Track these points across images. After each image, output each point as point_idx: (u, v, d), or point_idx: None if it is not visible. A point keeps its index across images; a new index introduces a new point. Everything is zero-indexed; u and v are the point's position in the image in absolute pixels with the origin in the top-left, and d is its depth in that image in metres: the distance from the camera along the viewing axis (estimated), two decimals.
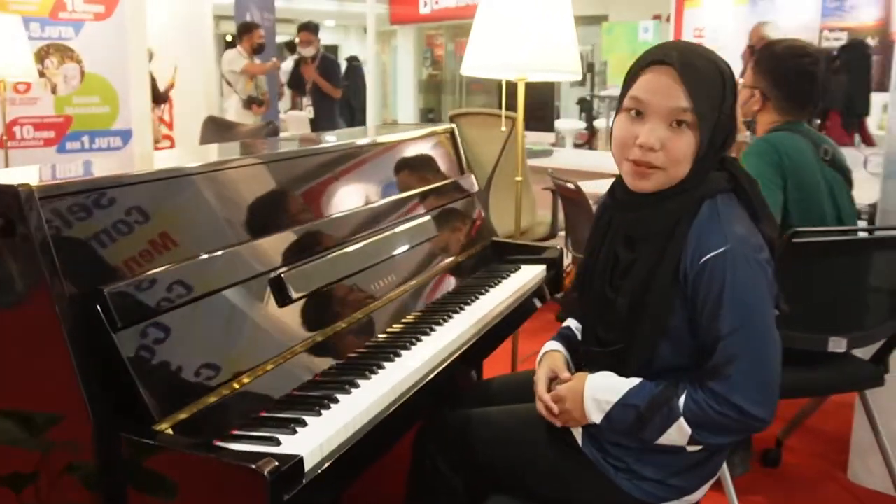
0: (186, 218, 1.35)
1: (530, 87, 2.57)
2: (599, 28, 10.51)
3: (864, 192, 3.04)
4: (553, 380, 1.51)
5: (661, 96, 1.31)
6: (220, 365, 1.26)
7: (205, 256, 1.31)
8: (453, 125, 2.31)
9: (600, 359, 1.44)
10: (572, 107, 10.83)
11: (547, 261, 2.24)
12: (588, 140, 10.03)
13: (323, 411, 1.28)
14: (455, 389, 1.70)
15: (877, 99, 7.24)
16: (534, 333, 2.61)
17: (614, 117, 1.42)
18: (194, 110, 6.45)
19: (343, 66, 9.23)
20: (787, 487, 2.56)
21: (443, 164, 2.24)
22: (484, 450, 1.51)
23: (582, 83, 10.34)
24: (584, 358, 1.52)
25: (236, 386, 1.27)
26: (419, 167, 2.13)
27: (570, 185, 2.92)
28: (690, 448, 1.38)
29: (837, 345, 2.07)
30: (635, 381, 1.37)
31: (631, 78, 1.37)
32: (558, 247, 2.30)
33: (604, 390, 1.38)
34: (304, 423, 1.23)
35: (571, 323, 1.64)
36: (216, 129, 4.36)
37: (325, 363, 1.47)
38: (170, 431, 1.13)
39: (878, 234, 2.27)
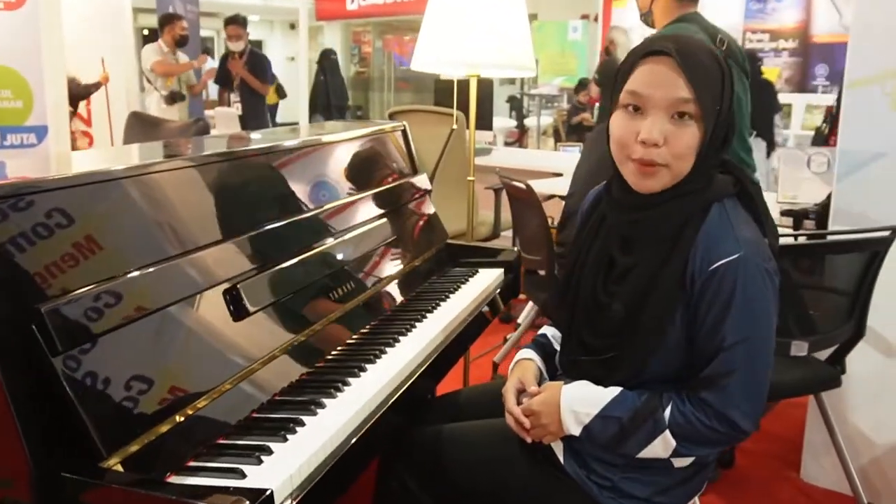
0: (126, 225, 1.20)
1: (467, 85, 2.48)
2: (529, 27, 10.52)
3: (809, 191, 3.07)
4: (521, 392, 1.42)
5: (660, 88, 1.22)
6: (172, 388, 1.13)
7: (151, 269, 1.18)
8: (404, 122, 2.21)
9: (587, 367, 1.36)
10: (502, 105, 10.83)
11: (504, 263, 2.16)
12: (519, 138, 10.04)
13: (289, 436, 1.16)
14: (421, 404, 1.60)
15: (799, 100, 7.43)
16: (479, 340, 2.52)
17: (609, 115, 1.32)
18: (113, 106, 6.15)
19: (293, 61, 8.98)
20: (741, 488, 2.54)
21: (395, 164, 2.13)
22: (457, 469, 1.41)
23: (512, 81, 10.35)
24: (565, 366, 1.44)
25: (191, 411, 1.14)
26: (372, 167, 2.02)
27: (521, 185, 2.85)
28: (678, 464, 1.31)
29: (799, 349, 2.05)
30: (615, 391, 1.30)
31: (625, 72, 1.28)
32: (515, 248, 2.22)
33: (582, 401, 1.30)
34: (269, 451, 1.11)
35: (547, 331, 1.56)
36: (141, 126, 4.14)
37: (284, 381, 1.35)
38: (119, 468, 1.00)
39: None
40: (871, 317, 2.21)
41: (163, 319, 1.16)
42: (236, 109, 6.37)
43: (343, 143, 1.92)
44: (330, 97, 9.36)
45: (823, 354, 2.28)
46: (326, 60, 9.79)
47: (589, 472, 1.33)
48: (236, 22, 6.45)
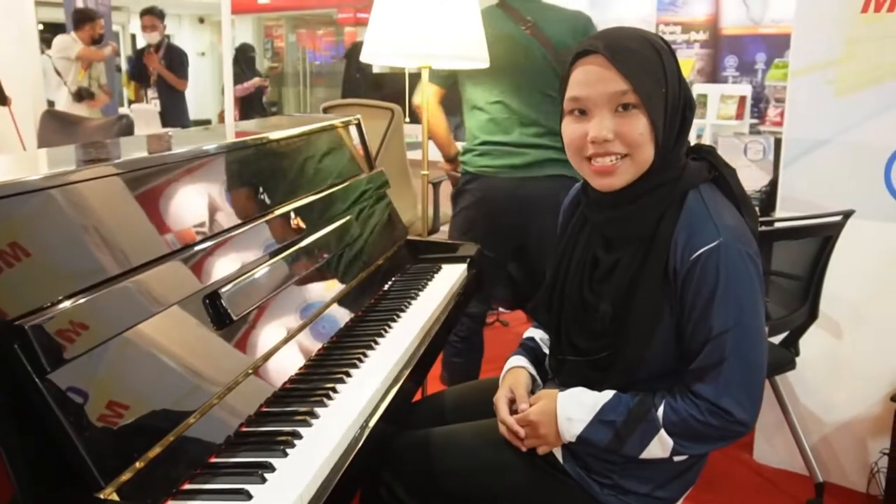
0: (100, 232, 1.11)
1: (399, 78, 2.43)
2: None
3: (748, 179, 3.14)
4: (513, 401, 1.39)
5: (596, 86, 1.21)
6: (164, 405, 1.04)
7: (127, 282, 1.09)
8: (358, 116, 2.14)
9: (579, 368, 1.33)
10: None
11: (465, 258, 2.12)
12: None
13: (289, 450, 1.09)
14: (406, 407, 1.54)
15: (713, 90, 7.64)
16: None
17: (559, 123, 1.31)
18: (18, 104, 5.80)
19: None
20: None
21: (352, 159, 2.06)
22: (450, 475, 1.36)
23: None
24: (556, 369, 1.41)
25: (182, 429, 1.06)
26: (329, 163, 1.95)
27: None
28: (677, 458, 1.30)
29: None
30: (609, 394, 1.27)
31: (564, 80, 1.28)
32: (475, 244, 2.18)
33: (577, 408, 1.28)
34: (271, 468, 1.04)
35: (535, 333, 1.53)
36: (58, 125, 3.92)
37: (268, 391, 1.27)
38: (115, 497, 0.91)
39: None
40: (821, 299, 2.27)
41: (150, 332, 1.07)
42: (154, 106, 6.11)
43: (296, 140, 1.83)
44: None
45: (777, 338, 2.33)
46: (243, 56, 9.29)
47: (589, 472, 1.30)
48: (152, 13, 6.18)
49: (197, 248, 1.29)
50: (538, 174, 2.44)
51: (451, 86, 2.56)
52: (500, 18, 2.45)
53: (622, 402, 1.26)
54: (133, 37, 12.82)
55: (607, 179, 1.24)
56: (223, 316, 1.24)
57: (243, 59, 8.62)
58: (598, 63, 1.21)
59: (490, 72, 2.40)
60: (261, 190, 1.59)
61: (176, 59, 6.25)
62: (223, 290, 1.27)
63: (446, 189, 3.45)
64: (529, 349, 1.50)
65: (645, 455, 1.25)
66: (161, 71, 6.12)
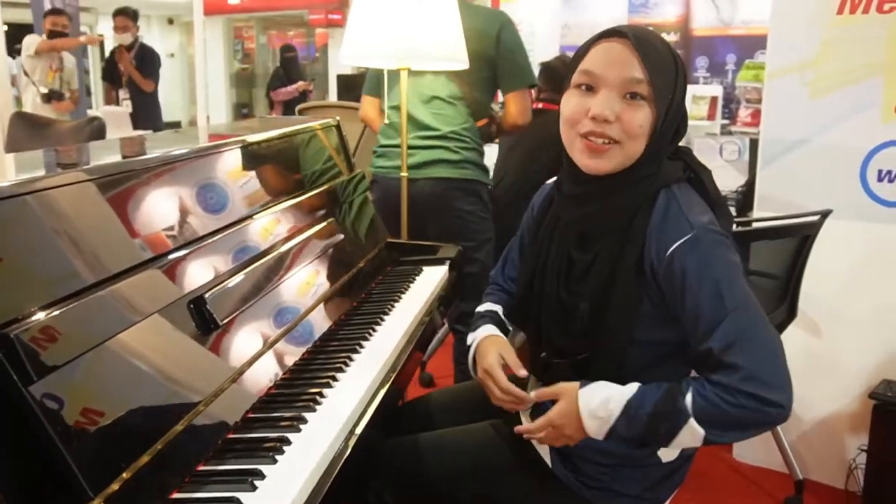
0: (81, 239, 1.08)
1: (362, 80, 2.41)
2: None
3: (723, 179, 3.16)
4: (505, 367, 1.37)
5: (614, 66, 1.21)
6: (150, 413, 1.02)
7: (110, 289, 1.06)
8: (337, 118, 2.12)
9: (562, 370, 1.32)
10: None
11: (446, 260, 2.11)
12: None
13: (278, 457, 1.07)
14: (393, 412, 1.53)
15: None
16: None
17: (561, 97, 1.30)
18: None
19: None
20: None
21: (333, 161, 2.04)
22: (439, 480, 1.35)
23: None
24: (539, 371, 1.40)
25: (170, 437, 1.04)
26: (310, 165, 1.92)
27: None
28: (666, 458, 1.30)
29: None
30: (633, 387, 1.21)
31: (580, 55, 1.27)
32: (457, 245, 2.17)
33: (601, 404, 1.21)
34: (261, 475, 1.02)
35: (488, 307, 1.52)
36: (28, 127, 3.84)
37: (253, 397, 1.25)
38: None
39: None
40: (800, 298, 2.29)
41: (136, 337, 1.05)
42: (125, 108, 6.02)
43: (275, 143, 1.81)
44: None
45: None
46: (284, 58, 8.42)
47: (579, 475, 1.30)
48: (124, 13, 6.06)
49: (178, 253, 1.26)
50: (426, 175, 2.51)
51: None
52: None
53: (648, 394, 1.19)
54: (101, 37, 12.66)
55: (595, 160, 1.23)
56: (208, 322, 1.22)
57: (284, 61, 8.21)
58: (624, 45, 1.21)
59: (396, 78, 2.46)
60: (240, 194, 1.57)
61: (146, 60, 6.16)
62: (207, 295, 1.24)
63: None
64: (494, 320, 1.49)
65: (675, 446, 1.20)
66: (130, 71, 6.03)
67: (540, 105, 3.07)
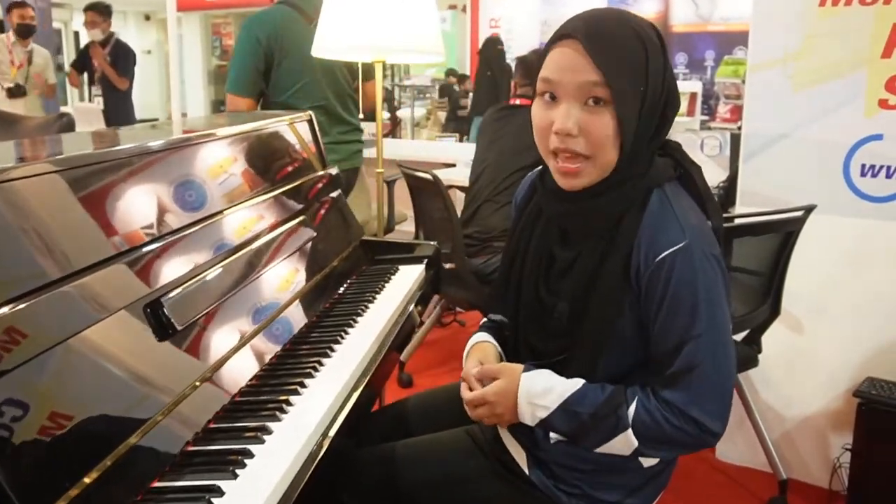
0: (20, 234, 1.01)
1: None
2: None
3: (705, 174, 3.12)
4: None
5: (568, 73, 1.13)
6: (101, 425, 0.96)
7: (59, 290, 0.99)
8: (310, 112, 2.05)
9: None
10: None
11: (422, 258, 2.05)
12: (391, 129, 9.94)
13: (239, 471, 1.01)
14: (365, 419, 1.46)
15: None
16: None
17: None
18: None
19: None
20: None
21: (305, 157, 1.98)
22: (412, 490, 1.29)
23: (384, 73, 10.21)
24: None
25: (122, 451, 0.97)
26: (281, 161, 1.86)
27: (426, 175, 2.74)
28: (647, 463, 1.25)
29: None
30: (577, 383, 1.19)
31: (542, 58, 1.19)
32: (433, 242, 2.11)
33: (541, 394, 1.20)
34: (219, 492, 0.96)
35: (494, 316, 1.44)
36: None
37: (217, 405, 1.19)
38: None
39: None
40: (783, 295, 2.25)
41: (84, 345, 0.98)
42: (97, 104, 5.90)
43: (243, 137, 1.74)
44: (500, 98, 6.84)
45: (739, 335, 2.31)
46: (492, 50, 7.40)
47: (557, 482, 1.24)
48: (94, 8, 5.93)
49: (136, 252, 1.19)
50: (352, 165, 2.90)
51: (259, 95, 2.82)
52: (296, 21, 2.77)
53: (590, 394, 1.18)
54: (76, 34, 12.49)
55: (570, 181, 1.18)
56: (166, 326, 1.15)
57: (492, 55, 7.38)
58: (574, 48, 1.12)
59: (295, 79, 2.75)
60: (206, 190, 1.50)
61: (121, 57, 6.04)
62: (166, 297, 1.18)
63: (401, 187, 3.39)
64: (491, 328, 1.42)
65: (603, 449, 1.19)
66: (104, 67, 5.91)
67: (517, 101, 3.01)
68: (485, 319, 1.46)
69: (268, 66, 2.74)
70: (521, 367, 1.24)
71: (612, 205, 1.19)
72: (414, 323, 1.82)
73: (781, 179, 2.34)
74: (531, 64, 3.18)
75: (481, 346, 1.37)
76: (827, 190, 2.27)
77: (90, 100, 6.04)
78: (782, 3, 2.26)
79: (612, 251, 1.18)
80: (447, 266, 2.84)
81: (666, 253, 1.14)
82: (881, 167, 2.21)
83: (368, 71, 2.73)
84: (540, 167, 1.32)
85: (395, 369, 3.27)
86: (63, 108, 6.16)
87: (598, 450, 1.19)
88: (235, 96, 2.77)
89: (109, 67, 5.94)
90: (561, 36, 1.16)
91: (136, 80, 6.20)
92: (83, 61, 6.22)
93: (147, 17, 14.15)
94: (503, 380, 1.24)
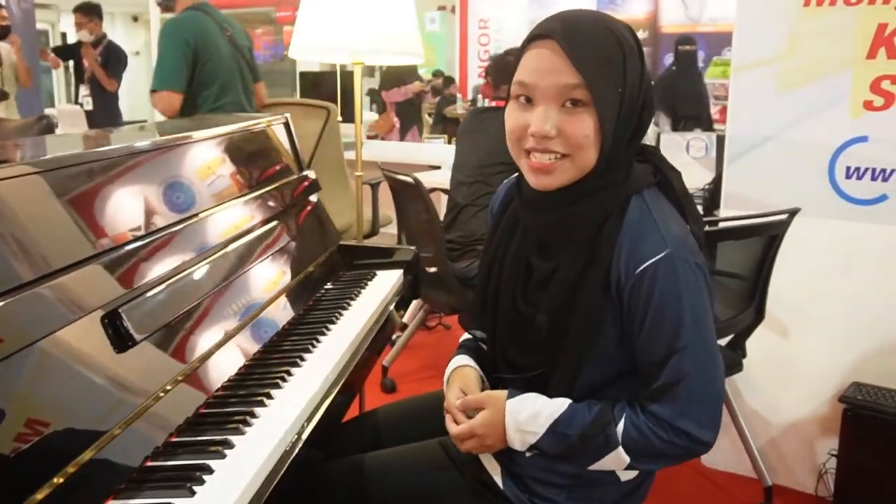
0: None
1: (333, 77, 2.33)
2: None
3: (690, 176, 3.09)
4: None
5: (546, 75, 1.10)
6: (55, 438, 0.92)
7: (19, 295, 0.96)
8: (286, 114, 2.01)
9: (514, 386, 1.22)
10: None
11: (401, 263, 2.02)
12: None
13: (196, 488, 0.97)
14: (335, 430, 1.43)
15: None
16: None
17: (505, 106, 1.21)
18: None
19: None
20: None
21: (280, 160, 1.94)
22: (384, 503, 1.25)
23: (371, 74, 10.17)
24: (494, 386, 1.31)
25: (73, 469, 0.93)
26: (254, 165, 1.82)
27: (408, 179, 2.70)
28: (625, 477, 1.21)
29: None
30: (563, 404, 1.17)
31: (517, 60, 1.16)
32: (412, 247, 2.08)
33: (529, 420, 1.17)
34: None
35: (474, 332, 1.41)
36: None
37: (180, 418, 1.15)
38: None
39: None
40: (768, 299, 2.23)
41: (34, 358, 0.94)
42: (84, 105, 5.82)
43: (220, 140, 1.71)
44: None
45: (724, 340, 2.28)
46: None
47: (532, 496, 1.21)
48: (81, 10, 5.85)
49: (98, 259, 1.15)
50: None
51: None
52: (212, 26, 3.07)
53: (578, 414, 1.15)
54: (63, 35, 12.40)
55: (544, 178, 1.14)
56: (125, 335, 1.11)
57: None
58: (552, 49, 1.09)
59: (216, 78, 3.03)
60: (177, 194, 1.46)
61: (112, 58, 5.98)
62: (128, 305, 1.14)
63: (385, 190, 3.35)
64: (471, 348, 1.38)
65: (595, 467, 1.17)
66: (94, 67, 5.84)
67: (493, 103, 2.95)
68: (464, 337, 1.42)
69: (192, 67, 3.01)
70: (504, 394, 1.21)
71: (591, 213, 1.15)
72: (391, 329, 1.79)
73: (766, 182, 2.31)
74: (507, 65, 3.12)
75: (461, 373, 1.33)
76: (812, 192, 2.24)
77: (76, 100, 5.96)
78: (766, 3, 2.24)
79: (592, 262, 1.15)
80: (430, 270, 2.81)
81: (647, 263, 1.10)
82: (866, 169, 2.18)
83: (258, 72, 3.36)
84: (516, 174, 1.28)
85: (379, 375, 3.23)
86: (48, 111, 6.08)
87: (591, 467, 1.17)
88: (170, 92, 2.99)
89: (99, 68, 5.88)
90: (537, 37, 1.12)
91: (124, 81, 6.15)
92: (72, 55, 6.15)
93: (135, 19, 14.07)
94: (488, 410, 1.21)
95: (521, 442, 1.18)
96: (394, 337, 3.53)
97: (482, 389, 1.29)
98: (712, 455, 2.56)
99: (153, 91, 3.04)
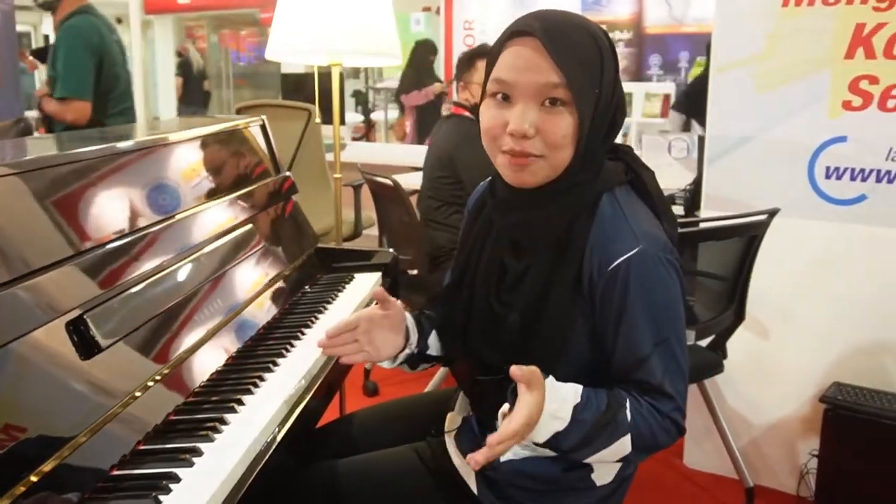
0: None
1: (318, 78, 2.30)
2: None
3: (672, 177, 3.09)
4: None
5: (526, 73, 1.08)
6: (19, 446, 0.90)
7: None
8: (262, 117, 2.00)
9: (487, 387, 1.21)
10: (348, 99, 10.61)
11: (380, 266, 2.00)
12: (366, 133, 9.87)
13: (162, 497, 0.95)
14: (308, 436, 1.41)
15: (638, 89, 7.70)
16: None
17: (479, 103, 1.19)
18: None
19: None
20: None
21: (256, 162, 1.92)
22: None
23: (356, 75, 10.13)
24: (466, 388, 1.29)
25: (34, 478, 0.91)
26: (230, 167, 1.80)
27: (386, 181, 2.68)
28: (600, 482, 1.20)
29: (687, 337, 2.00)
30: (577, 388, 1.09)
31: (494, 57, 1.14)
32: (390, 249, 2.06)
33: (560, 405, 1.06)
34: None
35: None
36: None
37: (147, 425, 1.13)
38: None
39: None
40: (748, 300, 2.22)
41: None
42: None
43: (194, 142, 1.69)
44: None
45: (705, 340, 2.28)
46: (418, 57, 6.72)
47: (507, 502, 1.19)
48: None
49: (66, 263, 1.14)
50: None
51: None
52: (103, 28, 3.16)
53: (592, 398, 1.08)
54: (46, 37, 12.31)
55: (520, 175, 1.12)
56: (91, 341, 1.09)
57: (419, 61, 7.17)
58: (533, 47, 1.07)
59: (118, 82, 3.15)
60: (149, 197, 1.44)
61: None
62: (95, 311, 1.12)
63: (367, 192, 3.33)
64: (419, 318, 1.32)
65: (595, 459, 1.10)
66: None
67: (452, 108, 2.87)
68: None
69: (98, 72, 3.06)
70: (538, 372, 1.04)
71: (562, 211, 1.14)
72: None
73: (746, 182, 2.31)
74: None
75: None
76: (792, 193, 2.24)
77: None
78: (746, 3, 2.23)
79: (564, 260, 1.14)
80: (412, 272, 2.79)
81: (619, 260, 1.09)
82: (846, 169, 2.18)
83: None
84: (489, 177, 1.27)
85: (361, 377, 3.21)
86: (28, 113, 6.01)
87: (590, 459, 1.11)
88: (81, 101, 3.03)
89: None
90: (516, 33, 1.10)
91: None
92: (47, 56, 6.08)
93: (119, 21, 13.96)
94: (538, 391, 1.02)
95: (546, 431, 1.05)
96: None
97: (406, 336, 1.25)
98: (694, 456, 2.56)
99: (62, 99, 3.01)
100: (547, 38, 1.06)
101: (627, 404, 1.10)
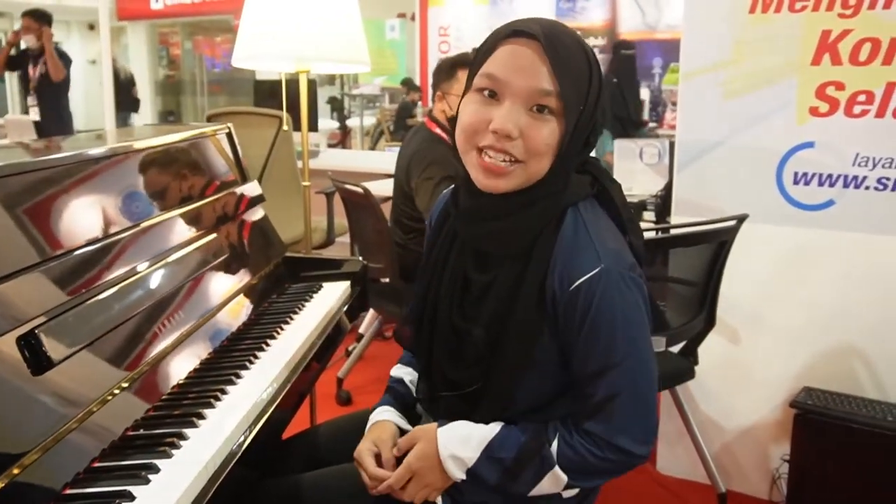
0: None
1: (292, 85, 2.28)
2: None
3: (643, 183, 3.10)
4: (379, 456, 1.24)
5: (521, 73, 1.06)
6: None
7: None
8: (228, 124, 1.97)
9: (450, 403, 1.20)
10: (323, 106, 10.57)
11: (348, 275, 1.98)
12: (341, 140, 9.84)
13: None
14: (275, 448, 1.39)
15: None
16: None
17: (460, 99, 1.17)
18: None
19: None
20: None
21: (221, 171, 1.89)
22: None
23: (332, 81, 10.11)
24: (426, 403, 1.28)
25: None
26: (194, 176, 1.77)
27: (357, 188, 2.66)
28: (567, 494, 1.19)
29: (657, 344, 2.01)
30: (495, 427, 1.15)
31: (485, 53, 1.11)
32: (359, 258, 2.04)
33: (462, 444, 1.15)
34: None
35: (402, 373, 1.38)
36: None
37: (103, 441, 1.10)
38: None
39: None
40: (718, 306, 2.23)
41: None
42: (33, 115, 5.69)
43: (159, 150, 1.66)
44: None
45: (676, 347, 2.28)
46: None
47: None
48: (31, 15, 5.72)
49: (21, 275, 1.11)
50: None
51: None
52: None
53: (511, 436, 1.14)
54: (17, 45, 12.17)
55: (494, 181, 1.10)
56: (42, 356, 1.06)
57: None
58: (533, 49, 1.05)
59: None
60: (110, 207, 1.41)
61: (62, 57, 5.85)
62: (48, 325, 1.09)
63: (339, 199, 3.31)
64: (398, 394, 1.35)
65: (535, 492, 1.15)
66: (48, 49, 5.67)
67: (425, 118, 2.86)
68: (394, 373, 1.40)
69: None
70: (434, 425, 1.19)
71: (526, 224, 1.13)
72: (339, 341, 1.75)
73: (715, 188, 2.31)
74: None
75: (379, 426, 1.29)
76: (761, 198, 2.25)
77: (25, 111, 5.83)
78: (713, 9, 2.24)
79: (528, 274, 1.12)
80: (383, 280, 2.77)
81: (581, 280, 1.08)
82: (813, 175, 2.20)
83: None
84: (452, 186, 1.26)
85: (334, 387, 3.18)
86: None
87: (531, 494, 1.15)
88: None
89: (54, 54, 5.72)
90: (517, 32, 1.08)
91: (80, 90, 6.03)
92: (19, 65, 6.02)
93: (91, 27, 13.83)
94: (421, 442, 1.18)
95: (458, 469, 1.15)
96: (349, 348, 3.48)
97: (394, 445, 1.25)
98: (666, 462, 2.56)
99: None
100: (548, 44, 1.05)
101: (556, 438, 1.13)
